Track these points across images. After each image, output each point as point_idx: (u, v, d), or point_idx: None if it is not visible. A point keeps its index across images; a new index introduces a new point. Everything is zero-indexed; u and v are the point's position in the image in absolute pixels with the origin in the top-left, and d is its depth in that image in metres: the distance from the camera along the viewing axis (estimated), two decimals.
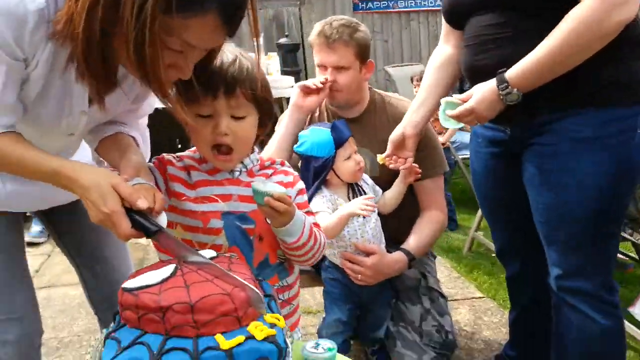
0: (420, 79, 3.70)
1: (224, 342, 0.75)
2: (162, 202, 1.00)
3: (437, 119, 3.83)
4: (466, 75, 1.55)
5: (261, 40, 3.81)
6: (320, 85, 1.74)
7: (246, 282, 0.82)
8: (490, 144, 1.61)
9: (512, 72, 1.31)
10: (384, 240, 1.74)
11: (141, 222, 0.94)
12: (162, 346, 0.75)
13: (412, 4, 6.09)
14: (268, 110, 1.15)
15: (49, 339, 2.45)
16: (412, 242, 1.77)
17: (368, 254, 1.65)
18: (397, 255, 1.72)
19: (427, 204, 1.85)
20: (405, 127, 1.66)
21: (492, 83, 1.34)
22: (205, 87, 1.04)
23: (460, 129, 3.90)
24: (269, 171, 1.20)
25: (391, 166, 1.69)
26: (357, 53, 1.75)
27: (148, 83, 0.94)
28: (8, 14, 0.88)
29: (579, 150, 1.36)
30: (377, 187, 1.77)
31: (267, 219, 1.10)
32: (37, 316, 1.35)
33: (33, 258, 3.41)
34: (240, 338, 0.76)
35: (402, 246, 1.76)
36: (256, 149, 1.21)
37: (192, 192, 1.12)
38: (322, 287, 1.81)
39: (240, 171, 1.16)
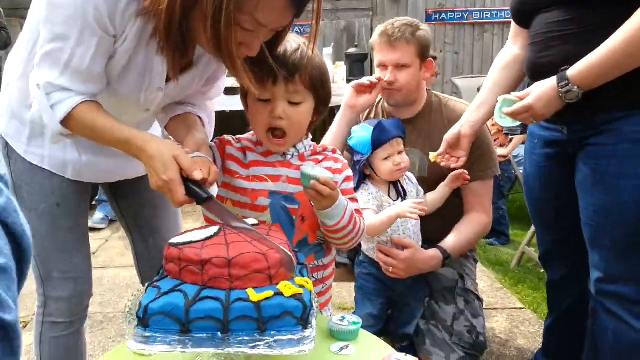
0: None
1: (254, 295, 0.80)
2: (216, 175, 1.07)
3: (500, 131, 3.74)
4: (528, 74, 1.54)
5: (331, 49, 3.87)
6: (375, 81, 1.77)
7: (281, 246, 0.88)
8: (545, 144, 1.60)
9: (574, 70, 1.30)
10: (421, 240, 1.75)
11: (195, 190, 1.02)
12: (198, 294, 0.82)
13: (488, 16, 5.96)
14: (325, 98, 1.21)
15: (95, 314, 2.61)
16: (450, 241, 1.76)
17: (403, 247, 1.66)
18: (433, 252, 1.72)
19: (472, 206, 1.83)
20: (462, 127, 1.67)
21: (552, 80, 1.33)
22: (267, 73, 1.11)
23: (523, 143, 3.81)
24: (320, 157, 1.26)
25: (442, 164, 1.69)
26: (418, 51, 1.78)
27: (221, 57, 1.02)
28: None
29: (638, 152, 1.33)
30: (420, 187, 1.78)
31: (311, 201, 1.16)
32: (89, 278, 1.47)
33: (92, 241, 3.59)
34: (269, 293, 0.81)
35: (439, 244, 1.76)
36: (310, 135, 1.27)
37: (245, 171, 1.20)
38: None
39: (293, 155, 1.22)
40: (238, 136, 1.27)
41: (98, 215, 4.06)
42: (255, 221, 1.03)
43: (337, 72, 4.34)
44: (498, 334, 2.43)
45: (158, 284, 0.87)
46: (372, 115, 1.96)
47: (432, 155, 1.71)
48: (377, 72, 1.83)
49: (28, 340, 2.38)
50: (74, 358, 1.46)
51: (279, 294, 0.81)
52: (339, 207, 1.14)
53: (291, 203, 1.18)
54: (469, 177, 1.73)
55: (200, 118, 1.27)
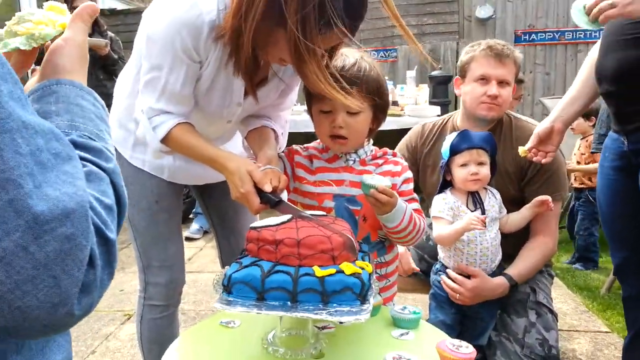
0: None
1: (319, 271, 0.94)
2: (285, 182, 1.23)
3: (592, 154, 3.58)
4: (595, 75, 1.54)
5: (414, 72, 3.98)
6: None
7: (344, 232, 1.00)
8: (614, 157, 1.60)
9: None
10: (500, 254, 1.78)
11: (267, 196, 1.19)
12: (272, 269, 0.96)
13: (581, 36, 5.75)
14: (382, 106, 1.32)
15: (189, 310, 2.88)
16: (516, 268, 1.79)
17: (469, 275, 1.71)
18: (499, 280, 1.76)
19: (539, 229, 1.84)
20: (555, 121, 1.68)
21: None
22: None
23: None
24: (380, 161, 1.36)
25: (534, 159, 1.71)
26: (516, 73, 1.86)
27: (304, 71, 1.14)
28: (189, 26, 1.18)
29: None
30: (503, 205, 1.79)
31: (373, 207, 1.26)
32: (182, 267, 1.66)
33: (188, 249, 4.02)
34: (332, 270, 0.94)
35: (506, 271, 1.79)
36: (371, 141, 1.38)
37: (312, 177, 1.34)
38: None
39: (355, 160, 1.35)
40: (306, 145, 1.42)
41: (194, 226, 4.43)
42: (322, 212, 1.16)
43: (419, 94, 4.43)
44: (579, 354, 2.37)
45: (240, 260, 1.03)
46: (440, 131, 2.02)
47: (522, 150, 1.73)
48: (472, 86, 1.85)
49: (133, 329, 2.68)
50: (169, 337, 1.65)
51: (340, 271, 0.94)
52: (399, 211, 1.24)
53: (354, 204, 1.30)
54: (552, 207, 1.74)
55: (274, 130, 1.43)
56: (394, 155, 1.40)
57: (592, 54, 1.67)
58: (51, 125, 0.56)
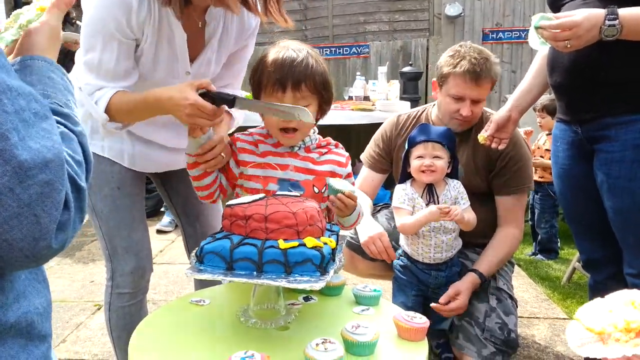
0: (543, 108, 3.68)
1: (283, 244, 1.01)
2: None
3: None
4: (547, 68, 1.61)
5: (385, 68, 4.06)
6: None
7: (312, 202, 1.08)
8: (567, 145, 1.66)
9: (625, 10, 1.31)
10: (459, 245, 1.85)
11: (220, 97, 1.24)
12: (241, 241, 1.03)
13: None
14: (328, 99, 1.37)
15: (160, 301, 2.91)
16: (484, 264, 1.87)
17: (449, 300, 1.79)
18: (470, 277, 1.83)
19: (506, 220, 1.93)
20: (512, 110, 1.75)
21: (600, 10, 1.33)
22: (277, 84, 1.28)
23: None
24: (324, 150, 1.41)
25: (492, 146, 1.78)
26: (492, 86, 1.89)
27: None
28: (118, 3, 1.26)
29: None
30: (464, 197, 1.83)
31: (335, 211, 1.30)
32: (149, 255, 1.66)
33: (160, 242, 4.07)
34: (295, 243, 1.02)
35: (475, 266, 1.86)
36: (315, 129, 1.43)
37: (259, 159, 1.36)
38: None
39: (300, 147, 1.38)
40: (250, 130, 1.44)
41: (166, 219, 4.46)
42: (295, 193, 1.24)
43: (391, 89, 4.52)
44: (538, 340, 2.48)
45: (215, 234, 1.10)
46: (414, 122, 2.07)
47: (482, 137, 1.79)
48: (446, 101, 1.89)
49: (103, 319, 2.68)
50: (137, 325, 1.68)
51: (302, 244, 1.02)
52: (356, 213, 1.32)
53: (296, 189, 1.33)
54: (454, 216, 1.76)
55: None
56: (337, 146, 1.45)
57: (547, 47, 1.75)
58: (31, 88, 0.64)
